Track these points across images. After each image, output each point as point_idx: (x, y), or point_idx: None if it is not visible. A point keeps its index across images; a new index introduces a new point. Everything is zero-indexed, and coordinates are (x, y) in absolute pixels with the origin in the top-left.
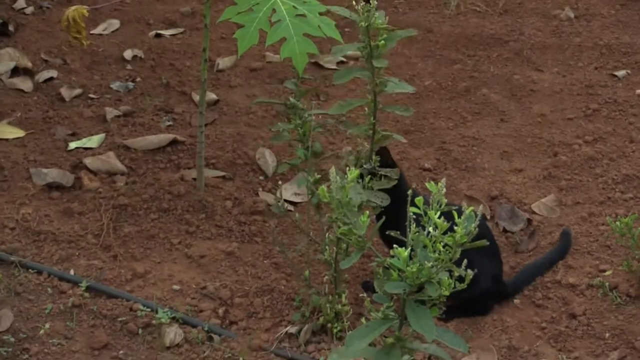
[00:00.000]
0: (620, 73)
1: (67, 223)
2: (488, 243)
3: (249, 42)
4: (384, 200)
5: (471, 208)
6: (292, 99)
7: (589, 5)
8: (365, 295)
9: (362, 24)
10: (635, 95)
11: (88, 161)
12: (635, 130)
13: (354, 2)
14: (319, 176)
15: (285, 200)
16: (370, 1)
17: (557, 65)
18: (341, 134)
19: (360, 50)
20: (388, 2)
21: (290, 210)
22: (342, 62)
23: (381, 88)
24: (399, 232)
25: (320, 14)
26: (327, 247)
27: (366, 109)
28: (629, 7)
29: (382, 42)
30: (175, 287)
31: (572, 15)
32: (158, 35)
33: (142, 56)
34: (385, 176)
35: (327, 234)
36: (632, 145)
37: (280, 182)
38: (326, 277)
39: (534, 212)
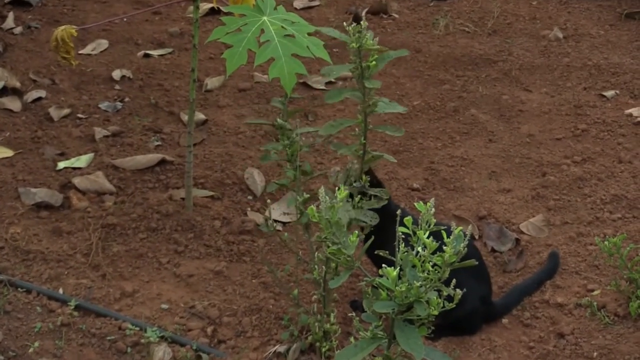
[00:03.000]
0: (609, 93)
1: (56, 242)
2: (477, 263)
3: (237, 62)
4: (373, 219)
5: (460, 228)
6: (279, 119)
7: (578, 26)
8: (353, 314)
9: (353, 44)
10: (624, 115)
11: (77, 181)
12: (624, 150)
13: (344, 24)
14: (307, 196)
15: (274, 220)
16: (361, 22)
17: (545, 85)
18: (330, 154)
19: (352, 71)
20: (376, 23)
21: (279, 230)
22: (330, 82)
23: (372, 109)
24: (387, 252)
25: (309, 34)
26: (316, 266)
27: (356, 129)
28: (618, 27)
29: (374, 62)
30: (164, 306)
31: (560, 35)
32: (147, 56)
33: (131, 76)
34: (375, 196)
35: (316, 253)
36: (621, 166)
37: (269, 202)
38: (315, 296)
39: (522, 232)
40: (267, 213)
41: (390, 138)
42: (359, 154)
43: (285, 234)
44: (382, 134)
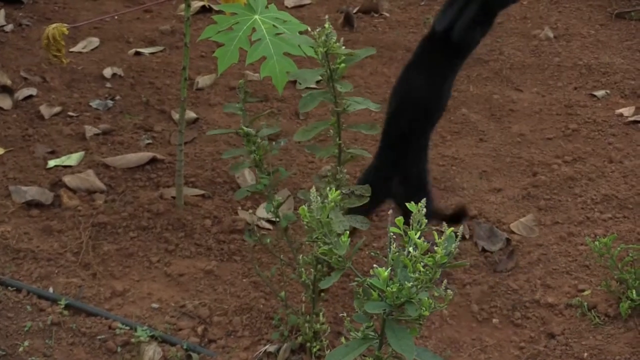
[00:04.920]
0: (600, 93)
1: (46, 241)
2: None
3: (228, 61)
4: (364, 225)
5: (451, 229)
6: (243, 127)
7: (569, 26)
8: (344, 314)
9: (320, 49)
10: (615, 115)
11: (67, 179)
12: (615, 150)
13: (308, 28)
14: (280, 200)
15: (264, 219)
16: (326, 25)
17: (536, 85)
18: None
19: (322, 75)
20: (368, 22)
21: (269, 229)
22: (319, 81)
23: (344, 108)
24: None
25: (301, 33)
26: (302, 269)
27: (331, 130)
28: (608, 27)
29: (342, 65)
30: (154, 305)
31: (551, 35)
32: (138, 54)
33: (122, 74)
34: (358, 195)
35: (300, 255)
36: (611, 166)
37: (250, 212)
38: (304, 296)
39: (512, 232)
40: (250, 219)
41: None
42: (336, 154)
43: (268, 239)
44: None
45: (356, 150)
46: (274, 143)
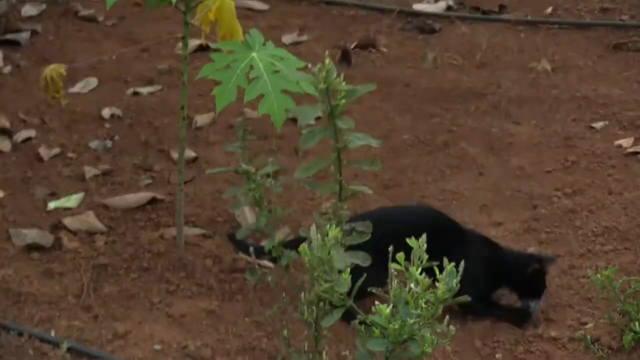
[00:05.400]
0: (598, 125)
1: (47, 284)
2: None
3: (227, 99)
4: (365, 261)
5: (452, 264)
6: (243, 165)
7: (566, 58)
8: (347, 353)
9: (321, 85)
10: (614, 146)
11: (67, 221)
12: (614, 182)
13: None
14: (281, 239)
15: (265, 258)
16: (326, 61)
17: (535, 117)
18: None
19: (322, 112)
20: (365, 57)
21: (270, 268)
22: (319, 117)
23: (345, 144)
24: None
25: (299, 69)
26: (304, 307)
27: (332, 167)
28: (606, 58)
29: (343, 101)
30: (157, 347)
31: (548, 67)
32: (136, 93)
33: (120, 114)
34: (359, 231)
35: (302, 293)
36: (611, 197)
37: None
38: (306, 334)
39: None
40: (251, 258)
41: (380, 173)
42: (336, 191)
43: (270, 278)
44: (371, 171)
45: (357, 186)
46: (273, 181)
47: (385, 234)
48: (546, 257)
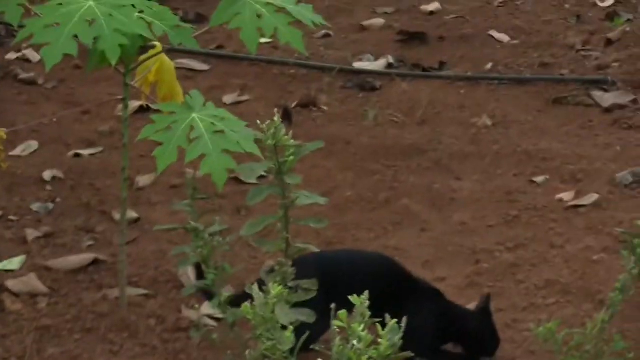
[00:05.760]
0: (540, 179)
1: None
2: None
3: (167, 160)
4: (309, 317)
5: (394, 320)
6: (192, 222)
7: (507, 113)
8: None
9: (269, 142)
10: (555, 200)
11: (10, 284)
12: (556, 235)
13: (258, 122)
14: (229, 295)
15: (209, 317)
16: (275, 118)
17: (476, 173)
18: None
19: (269, 168)
20: (306, 116)
21: (214, 327)
22: (262, 176)
23: (292, 202)
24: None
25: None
26: None
27: (278, 224)
28: (546, 112)
29: (291, 158)
30: None
31: (489, 122)
32: (77, 155)
33: (62, 177)
34: (304, 289)
35: (248, 351)
36: (553, 251)
37: (196, 306)
38: None
39: None
40: (195, 316)
41: (323, 231)
42: (283, 249)
43: (214, 335)
44: (315, 228)
45: (303, 244)
46: (220, 239)
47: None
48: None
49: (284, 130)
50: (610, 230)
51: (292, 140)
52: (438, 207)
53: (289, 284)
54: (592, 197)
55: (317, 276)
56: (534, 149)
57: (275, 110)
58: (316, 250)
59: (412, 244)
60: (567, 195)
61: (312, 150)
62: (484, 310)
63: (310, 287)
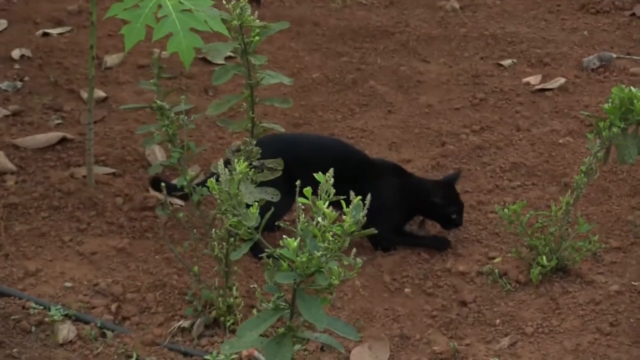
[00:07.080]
0: (506, 62)
1: None
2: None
3: (135, 38)
4: (274, 196)
5: (359, 197)
6: (157, 101)
7: None
8: (256, 286)
9: (235, 22)
10: (522, 84)
11: None
12: (522, 118)
13: (224, 1)
14: (194, 174)
15: (176, 196)
16: None
17: (443, 56)
18: None
19: (235, 49)
20: None
21: (180, 206)
22: (230, 57)
23: (257, 82)
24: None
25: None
26: (215, 243)
27: (244, 104)
28: None
29: (257, 38)
30: (67, 284)
31: (457, 6)
32: (45, 34)
33: (30, 55)
34: (270, 168)
35: (213, 229)
36: (519, 134)
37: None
38: (217, 270)
39: None
40: (162, 195)
41: (290, 111)
42: (249, 128)
43: (181, 213)
44: (282, 108)
45: (269, 124)
46: (186, 118)
47: (294, 159)
48: (450, 176)
49: (249, 11)
50: (576, 114)
51: (258, 21)
52: (405, 89)
53: (254, 163)
54: (559, 81)
55: (279, 157)
56: (501, 32)
57: None
58: (282, 130)
59: (379, 126)
60: (533, 79)
61: (278, 31)
62: (448, 181)
63: (275, 166)
